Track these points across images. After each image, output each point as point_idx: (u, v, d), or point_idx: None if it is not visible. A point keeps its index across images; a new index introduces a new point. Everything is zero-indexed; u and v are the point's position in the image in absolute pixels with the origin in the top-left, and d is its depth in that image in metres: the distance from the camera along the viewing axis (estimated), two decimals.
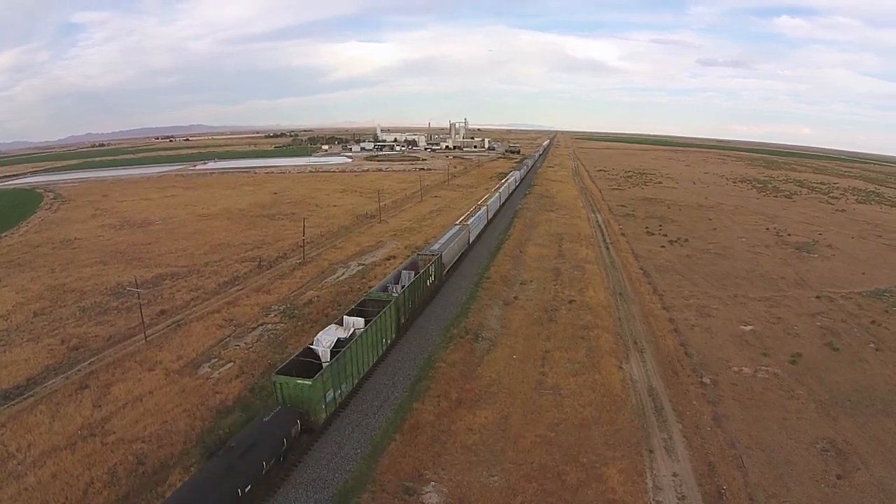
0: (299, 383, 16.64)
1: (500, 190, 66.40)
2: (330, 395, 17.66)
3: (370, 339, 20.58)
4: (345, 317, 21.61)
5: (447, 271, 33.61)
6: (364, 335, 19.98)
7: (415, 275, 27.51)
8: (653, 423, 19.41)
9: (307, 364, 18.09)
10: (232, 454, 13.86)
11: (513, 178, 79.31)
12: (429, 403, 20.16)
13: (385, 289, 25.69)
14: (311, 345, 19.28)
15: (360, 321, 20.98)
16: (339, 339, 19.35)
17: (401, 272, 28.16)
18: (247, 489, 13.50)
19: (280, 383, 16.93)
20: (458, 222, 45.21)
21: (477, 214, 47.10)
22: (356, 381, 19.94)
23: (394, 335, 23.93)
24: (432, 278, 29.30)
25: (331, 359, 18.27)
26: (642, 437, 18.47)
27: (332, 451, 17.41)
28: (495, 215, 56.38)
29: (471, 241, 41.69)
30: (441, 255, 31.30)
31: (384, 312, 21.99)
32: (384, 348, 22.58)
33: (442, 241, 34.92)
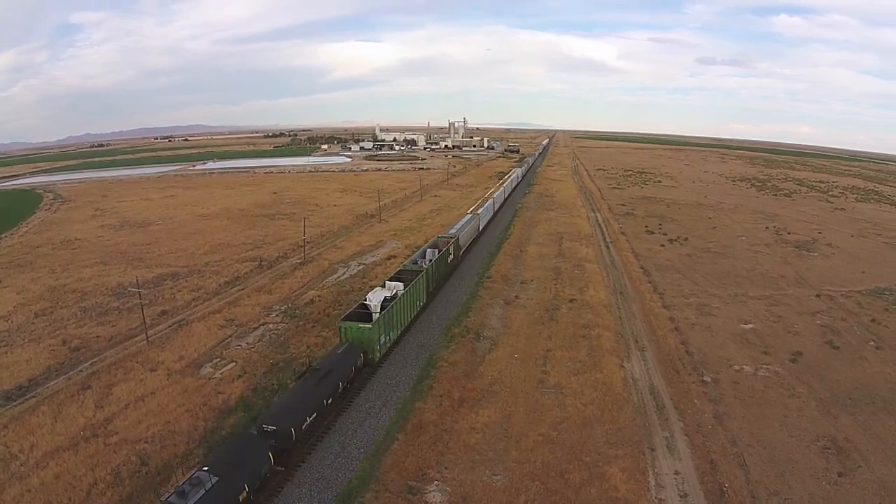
0: (361, 326, 21.12)
1: (504, 185, 72.41)
2: (383, 338, 22.02)
3: (409, 299, 25.12)
4: (387, 281, 26.02)
5: (463, 252, 39.04)
6: (405, 295, 24.47)
7: (438, 252, 32.22)
8: (654, 422, 19.46)
9: (362, 315, 22.43)
10: (318, 375, 18.07)
11: (515, 174, 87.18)
12: (431, 403, 20.23)
13: (416, 262, 30.47)
14: (364, 301, 23.58)
15: (399, 285, 25.09)
16: (385, 298, 23.53)
17: (426, 250, 32.94)
18: (329, 401, 17.97)
19: (345, 327, 21.36)
20: (469, 212, 50.11)
21: (485, 206, 52.23)
22: (399, 332, 24.47)
23: (425, 299, 28.54)
24: (451, 256, 34.47)
25: (381, 312, 22.35)
26: (644, 435, 18.53)
27: (336, 450, 17.49)
28: (501, 207, 61.69)
29: (481, 227, 47.38)
30: (458, 238, 36.80)
31: (418, 279, 26.54)
32: (418, 309, 27.33)
33: (458, 227, 40.19)
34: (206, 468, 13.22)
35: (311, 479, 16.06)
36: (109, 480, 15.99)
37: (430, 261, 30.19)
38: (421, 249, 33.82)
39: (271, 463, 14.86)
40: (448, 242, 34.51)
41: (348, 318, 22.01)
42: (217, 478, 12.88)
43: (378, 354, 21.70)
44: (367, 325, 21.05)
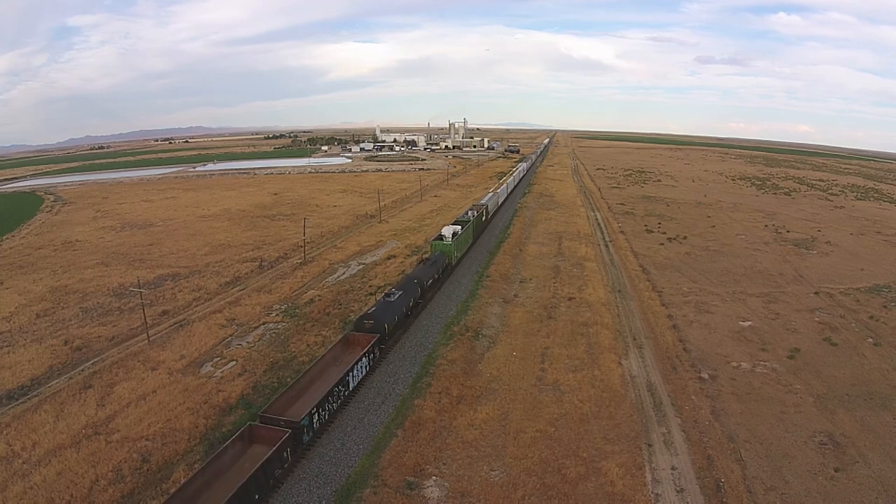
0: (445, 243, 35.93)
1: (514, 174, 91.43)
2: (455, 252, 37.12)
3: (466, 234, 40.58)
4: (450, 225, 40.49)
5: (490, 216, 56.83)
6: (464, 231, 39.77)
7: (476, 213, 47.38)
8: (652, 418, 19.57)
9: (440, 239, 36.91)
10: (429, 262, 32.47)
11: (521, 167, 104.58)
12: (430, 400, 20.38)
13: (465, 216, 46.02)
14: (441, 233, 38.19)
15: (458, 227, 39.23)
16: (452, 232, 37.53)
17: (468, 212, 48.44)
18: (436, 276, 32.39)
19: (434, 244, 36.44)
20: (490, 191, 67.39)
21: (501, 189, 69.93)
22: (462, 253, 40.12)
23: (472, 239, 44.84)
24: (484, 217, 51.49)
25: (452, 238, 36.83)
26: (641, 431, 18.64)
27: (335, 446, 17.64)
28: (513, 190, 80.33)
29: (500, 202, 65.70)
30: (487, 206, 53.72)
31: (469, 224, 42.42)
32: (470, 243, 43.68)
33: (485, 199, 57.33)
34: (393, 289, 26.67)
35: (311, 475, 16.23)
36: (111, 477, 16.17)
37: (473, 216, 45.79)
38: (464, 212, 50.70)
39: (419, 293, 29.01)
40: (481, 208, 50.86)
41: (435, 240, 37.50)
42: (401, 292, 26.31)
43: (453, 262, 37.09)
44: (449, 242, 36.26)
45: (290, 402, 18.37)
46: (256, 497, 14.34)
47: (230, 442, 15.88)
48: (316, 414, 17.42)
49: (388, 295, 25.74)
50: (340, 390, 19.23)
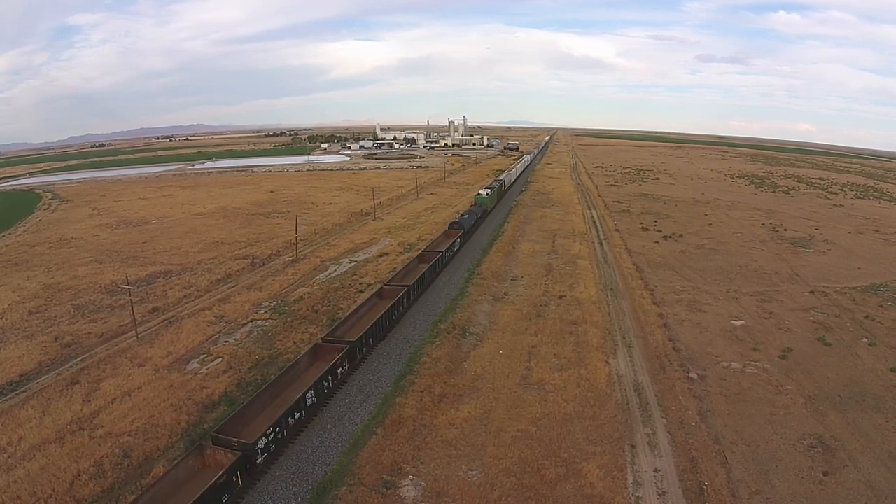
0: (483, 197, 58.06)
1: (523, 160, 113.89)
2: (490, 204, 59.58)
3: (493, 195, 61.91)
4: (483, 189, 62.61)
5: (508, 187, 77.48)
6: (493, 193, 61.62)
7: (498, 184, 67.59)
8: (637, 419, 19.36)
9: (479, 195, 59.64)
10: (476, 206, 54.70)
11: (526, 158, 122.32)
12: (412, 398, 20.23)
13: (491, 185, 65.48)
14: (480, 190, 62.51)
15: (489, 190, 60.70)
16: (487, 192, 59.38)
17: (493, 182, 68.95)
18: (481, 214, 53.66)
19: (476, 197, 59.49)
20: (505, 172, 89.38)
21: (513, 170, 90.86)
22: (493, 204, 61.86)
23: (497, 200, 64.93)
24: (503, 187, 71.75)
25: (487, 196, 58.62)
26: (625, 432, 18.43)
27: (314, 444, 17.54)
28: (521, 174, 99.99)
29: (513, 181, 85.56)
30: (504, 180, 75.25)
31: (495, 189, 63.68)
32: (495, 202, 64.13)
33: (502, 177, 78.58)
34: (464, 213, 51.00)
35: (287, 473, 16.15)
36: (92, 472, 16.19)
37: (496, 185, 65.92)
38: (490, 182, 71.34)
39: (475, 219, 49.90)
40: (501, 181, 71.76)
41: (476, 195, 58.09)
42: (468, 214, 49.46)
43: (488, 209, 56.90)
44: (486, 197, 56.72)
45: (247, 421, 16.78)
46: None
47: (174, 466, 14.75)
48: (273, 435, 16.07)
49: (462, 215, 48.11)
50: (308, 402, 18.17)
